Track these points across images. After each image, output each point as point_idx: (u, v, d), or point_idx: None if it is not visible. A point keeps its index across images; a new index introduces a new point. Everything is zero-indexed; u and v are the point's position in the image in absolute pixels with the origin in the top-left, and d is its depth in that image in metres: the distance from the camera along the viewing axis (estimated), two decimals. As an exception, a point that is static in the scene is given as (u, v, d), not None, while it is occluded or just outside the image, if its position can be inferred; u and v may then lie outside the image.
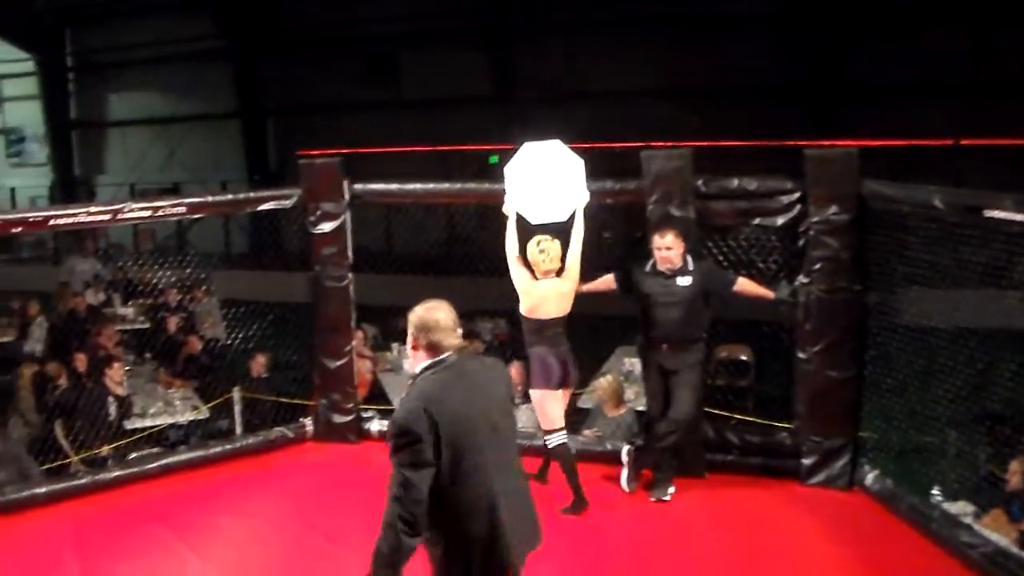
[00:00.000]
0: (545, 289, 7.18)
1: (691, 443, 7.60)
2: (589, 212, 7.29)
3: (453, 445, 4.04)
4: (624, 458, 7.55)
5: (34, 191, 27.95)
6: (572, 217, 7.29)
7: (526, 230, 7.36)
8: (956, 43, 16.69)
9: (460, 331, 4.33)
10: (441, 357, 4.23)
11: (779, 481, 7.65)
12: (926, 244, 6.71)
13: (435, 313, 4.25)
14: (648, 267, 7.37)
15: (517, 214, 7.35)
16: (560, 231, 7.31)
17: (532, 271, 7.23)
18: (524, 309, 7.21)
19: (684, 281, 7.23)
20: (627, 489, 7.49)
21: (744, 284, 7.32)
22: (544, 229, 7.31)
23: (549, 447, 7.36)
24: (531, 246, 7.22)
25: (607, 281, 7.60)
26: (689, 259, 7.31)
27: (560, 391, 7.30)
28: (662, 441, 7.33)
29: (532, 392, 7.34)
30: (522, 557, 4.31)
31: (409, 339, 4.29)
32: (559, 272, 7.23)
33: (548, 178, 7.20)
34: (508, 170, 7.34)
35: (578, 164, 7.26)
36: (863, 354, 7.42)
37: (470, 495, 4.13)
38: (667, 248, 7.22)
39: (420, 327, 4.23)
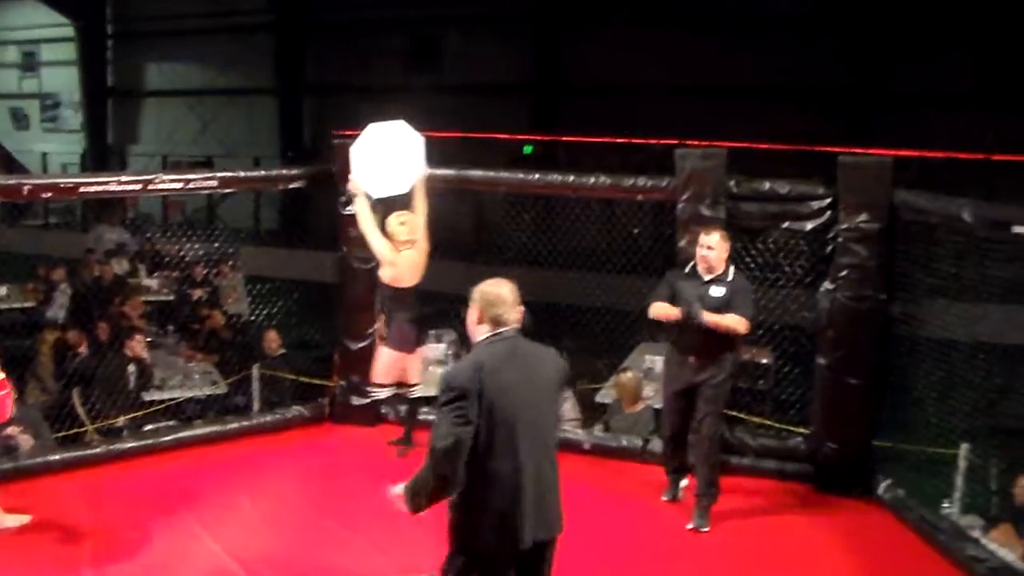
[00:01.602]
0: (406, 260, 7.89)
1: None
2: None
3: (493, 414, 4.22)
4: (696, 509, 7.08)
5: (66, 157, 28.12)
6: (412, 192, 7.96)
7: (379, 204, 8.04)
8: (996, 54, 16.57)
9: (520, 309, 4.52)
10: (500, 330, 4.42)
11: (793, 485, 7.67)
12: (953, 257, 6.70)
13: (499, 288, 4.47)
14: (688, 268, 7.10)
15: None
16: (403, 205, 7.97)
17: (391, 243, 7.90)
18: (387, 278, 7.93)
19: (717, 292, 6.85)
20: (703, 528, 7.04)
21: (732, 319, 6.76)
22: (386, 203, 8.04)
23: (380, 397, 8.35)
24: (392, 219, 7.92)
25: (666, 308, 6.98)
26: (731, 269, 7.01)
27: (410, 354, 8.10)
28: (710, 475, 7.03)
29: (384, 350, 8.08)
30: (537, 539, 4.40)
31: (473, 312, 4.47)
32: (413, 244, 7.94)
33: (388, 155, 7.85)
34: (354, 149, 7.98)
35: (418, 141, 7.93)
36: (883, 363, 7.41)
37: (498, 467, 4.27)
38: (709, 248, 6.86)
39: (485, 301, 4.44)
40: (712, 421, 6.98)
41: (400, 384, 8.20)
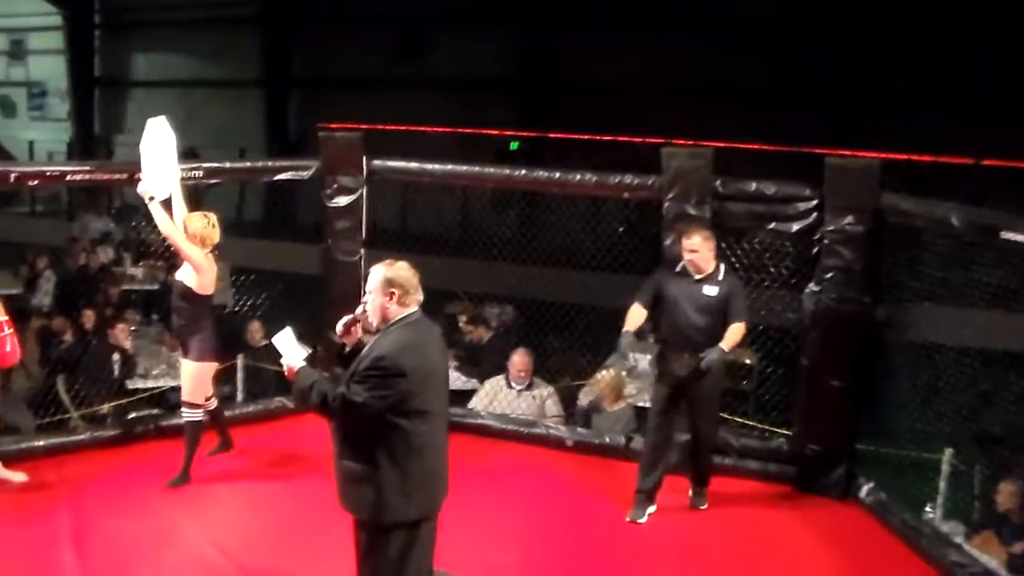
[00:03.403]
0: (212, 265, 7.38)
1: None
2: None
3: (423, 389, 4.50)
4: (691, 493, 7.38)
5: (52, 146, 27.95)
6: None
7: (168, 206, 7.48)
8: (987, 60, 16.62)
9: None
10: (411, 311, 4.64)
11: (774, 486, 7.68)
12: (939, 261, 6.71)
13: (407, 272, 4.67)
14: (678, 268, 7.07)
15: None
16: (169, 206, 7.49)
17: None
18: (200, 286, 7.30)
19: (710, 291, 6.88)
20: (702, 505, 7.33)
21: (736, 330, 6.82)
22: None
23: (195, 420, 7.50)
24: (199, 220, 7.37)
25: (640, 313, 7.13)
26: (722, 268, 7.01)
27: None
28: (705, 467, 7.30)
29: (200, 365, 7.44)
30: (443, 500, 4.77)
31: (389, 295, 4.59)
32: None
33: (154, 154, 7.42)
34: (142, 148, 7.46)
35: (172, 140, 7.57)
36: (867, 366, 7.41)
37: (427, 436, 4.56)
38: (692, 251, 6.89)
39: (399, 283, 4.60)
40: (708, 419, 7.15)
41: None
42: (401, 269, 4.65)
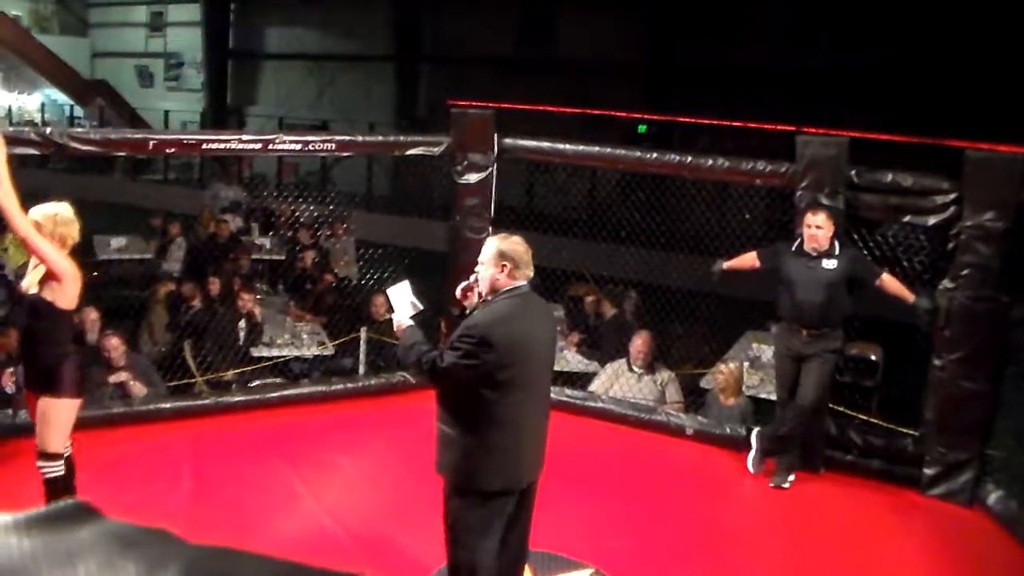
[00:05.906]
0: (78, 272, 5.59)
1: (813, 435, 7.48)
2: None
3: (513, 362, 4.52)
4: (753, 440, 7.51)
5: (187, 116, 28.71)
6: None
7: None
8: None
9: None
10: (518, 284, 4.71)
11: (897, 487, 7.47)
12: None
13: (520, 247, 4.74)
14: (794, 247, 7.23)
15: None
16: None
17: None
18: (66, 300, 5.56)
19: (829, 264, 7.05)
20: (752, 471, 7.46)
21: (888, 280, 7.11)
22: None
23: (57, 475, 5.63)
24: (48, 215, 5.53)
25: (750, 259, 7.53)
26: (836, 244, 7.12)
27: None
28: (783, 427, 7.33)
29: (59, 403, 5.59)
30: (529, 479, 4.79)
31: (500, 267, 4.66)
32: None
33: None
34: None
35: None
36: (1001, 368, 7.17)
37: (509, 409, 4.58)
38: (817, 227, 7.04)
39: (510, 256, 4.67)
40: (820, 390, 7.21)
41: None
42: (515, 243, 4.74)
